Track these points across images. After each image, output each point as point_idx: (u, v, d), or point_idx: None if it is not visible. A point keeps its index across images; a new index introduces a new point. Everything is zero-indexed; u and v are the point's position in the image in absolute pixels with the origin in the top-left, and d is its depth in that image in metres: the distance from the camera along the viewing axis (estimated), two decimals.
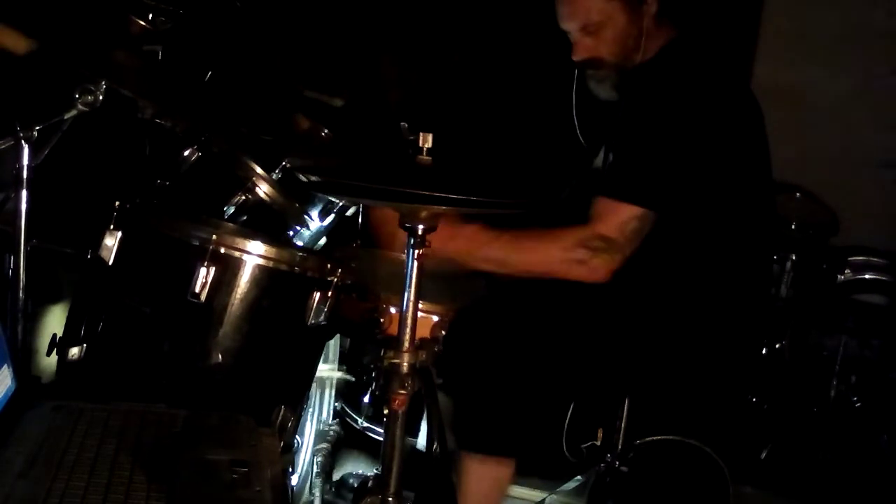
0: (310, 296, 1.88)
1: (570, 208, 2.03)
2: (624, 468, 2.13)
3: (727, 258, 2.01)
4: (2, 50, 1.88)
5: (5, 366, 1.39)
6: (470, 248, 1.90)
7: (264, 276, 1.84)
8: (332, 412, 2.65)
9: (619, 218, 1.85)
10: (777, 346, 3.19)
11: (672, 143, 1.87)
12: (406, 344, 1.48)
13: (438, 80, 3.22)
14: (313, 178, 1.59)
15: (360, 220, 2.52)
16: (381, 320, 1.92)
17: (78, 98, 1.86)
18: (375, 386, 2.56)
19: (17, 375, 1.43)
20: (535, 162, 2.40)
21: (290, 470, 2.23)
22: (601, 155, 2.11)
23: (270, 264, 1.84)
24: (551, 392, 2.04)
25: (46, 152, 1.90)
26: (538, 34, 2.16)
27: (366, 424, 2.59)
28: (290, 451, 2.05)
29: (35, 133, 1.83)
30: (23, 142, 1.82)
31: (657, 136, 1.89)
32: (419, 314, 1.50)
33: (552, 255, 1.89)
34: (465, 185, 1.42)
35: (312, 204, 2.32)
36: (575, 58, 2.01)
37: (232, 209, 2.16)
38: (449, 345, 1.84)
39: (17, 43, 1.88)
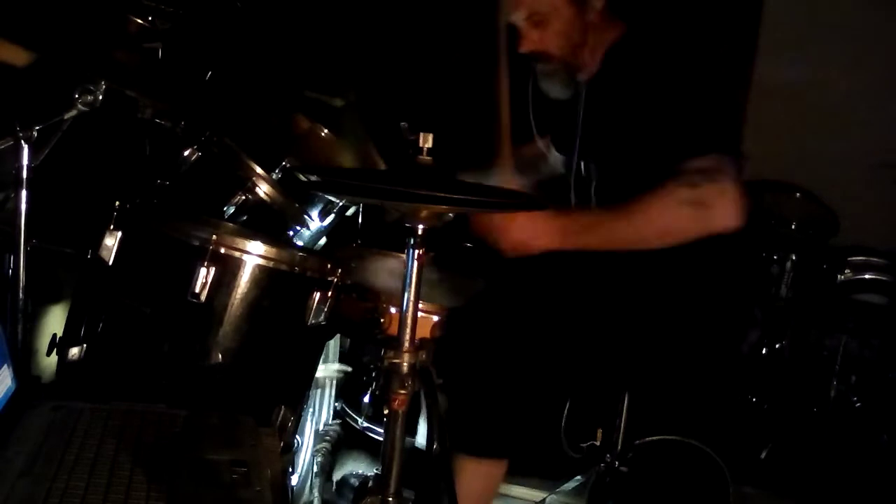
0: (310, 296, 1.88)
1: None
2: (624, 468, 2.14)
3: (719, 253, 2.00)
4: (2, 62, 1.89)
5: (5, 366, 1.39)
6: (565, 242, 1.82)
7: (264, 276, 1.84)
8: (332, 412, 2.65)
9: (703, 162, 1.78)
10: (777, 346, 3.19)
11: (643, 128, 1.86)
12: (406, 344, 1.48)
13: (420, 80, 3.22)
14: (313, 178, 1.59)
15: (360, 220, 2.53)
16: (381, 320, 1.92)
17: (78, 98, 1.86)
18: (375, 386, 2.56)
19: (17, 375, 1.43)
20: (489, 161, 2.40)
21: (290, 470, 2.23)
22: (573, 163, 2.10)
23: (270, 264, 1.84)
24: (549, 391, 2.04)
25: (46, 152, 1.90)
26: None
27: (366, 424, 2.59)
28: (290, 451, 2.05)
29: (35, 133, 1.83)
30: (23, 142, 1.82)
31: (627, 123, 1.88)
32: (419, 314, 1.50)
33: (675, 209, 1.78)
34: (466, 184, 1.42)
35: (312, 204, 2.32)
36: (521, 50, 2.00)
37: (232, 209, 2.17)
38: (444, 344, 1.84)
39: (16, 56, 1.88)
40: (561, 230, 1.84)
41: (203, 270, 1.77)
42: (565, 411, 2.31)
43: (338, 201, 2.35)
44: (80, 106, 1.87)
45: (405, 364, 1.47)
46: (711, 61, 1.93)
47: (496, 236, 1.85)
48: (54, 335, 1.89)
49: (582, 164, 2.10)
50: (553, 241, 1.83)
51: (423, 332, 1.75)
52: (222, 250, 1.80)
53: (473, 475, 1.92)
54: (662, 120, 1.86)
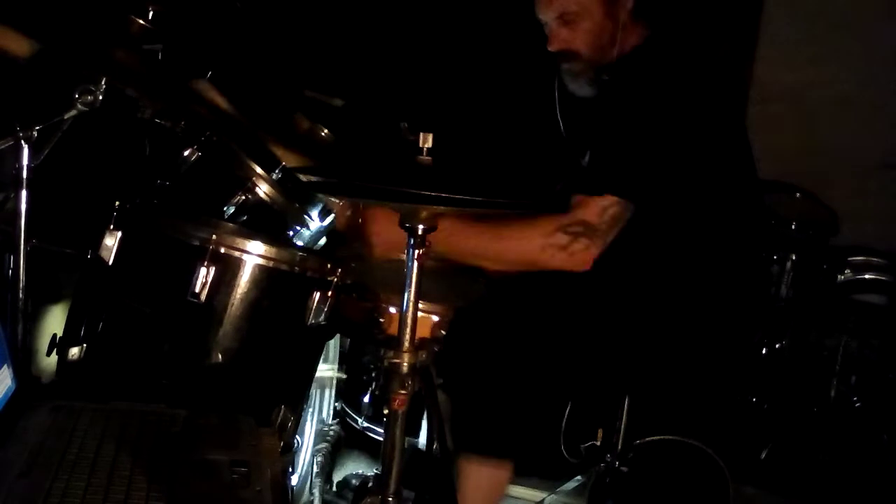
0: (310, 296, 1.88)
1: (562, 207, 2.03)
2: (624, 468, 2.13)
3: (722, 256, 2.01)
4: (4, 52, 1.88)
5: (5, 366, 1.39)
6: (450, 241, 1.86)
7: (264, 276, 1.84)
8: (332, 412, 2.65)
9: (598, 205, 1.86)
10: (777, 346, 3.19)
11: (650, 136, 1.88)
12: (406, 344, 1.48)
13: (432, 80, 3.22)
14: (313, 178, 1.59)
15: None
16: (381, 320, 1.92)
17: (78, 98, 1.86)
18: (375, 386, 2.56)
19: (17, 375, 1.43)
20: (524, 161, 2.40)
21: (290, 470, 2.23)
22: (587, 155, 2.12)
23: (270, 264, 1.84)
24: (550, 392, 2.04)
25: (46, 152, 1.90)
26: (522, 34, 2.17)
27: (366, 424, 2.59)
28: (290, 451, 2.05)
29: (35, 133, 1.83)
30: (23, 142, 1.82)
31: (635, 129, 1.89)
32: (419, 314, 1.50)
33: (533, 243, 1.88)
34: (466, 184, 1.42)
35: (312, 204, 2.32)
36: (550, 48, 2.02)
37: (232, 209, 2.16)
38: (447, 345, 1.84)
39: (19, 45, 1.88)
40: (451, 229, 1.84)
41: (203, 270, 1.77)
42: (567, 412, 2.31)
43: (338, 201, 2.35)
44: (80, 106, 1.87)
45: (405, 364, 1.47)
46: (710, 108, 1.95)
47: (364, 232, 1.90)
48: (54, 335, 1.89)
49: (588, 155, 2.11)
50: (441, 238, 1.83)
51: (424, 332, 1.75)
52: (222, 250, 1.80)
53: (478, 477, 1.93)
54: (608, 137, 1.92)
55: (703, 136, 1.91)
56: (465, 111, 3.19)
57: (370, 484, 1.59)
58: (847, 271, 3.22)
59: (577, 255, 1.86)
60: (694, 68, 1.99)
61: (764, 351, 3.18)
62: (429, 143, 1.43)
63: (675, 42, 2.03)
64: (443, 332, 1.92)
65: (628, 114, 1.91)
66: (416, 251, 1.45)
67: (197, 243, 1.80)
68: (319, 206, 2.33)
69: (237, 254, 1.82)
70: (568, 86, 2.08)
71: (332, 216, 2.30)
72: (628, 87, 1.94)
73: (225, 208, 2.16)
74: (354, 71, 3.10)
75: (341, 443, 2.65)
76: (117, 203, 1.87)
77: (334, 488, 2.54)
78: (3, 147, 1.82)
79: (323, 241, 2.43)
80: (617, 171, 1.88)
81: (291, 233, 2.30)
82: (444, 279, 2.12)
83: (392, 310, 1.92)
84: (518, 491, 2.40)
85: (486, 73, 3.26)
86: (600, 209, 1.86)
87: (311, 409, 2.51)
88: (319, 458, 2.49)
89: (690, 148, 1.90)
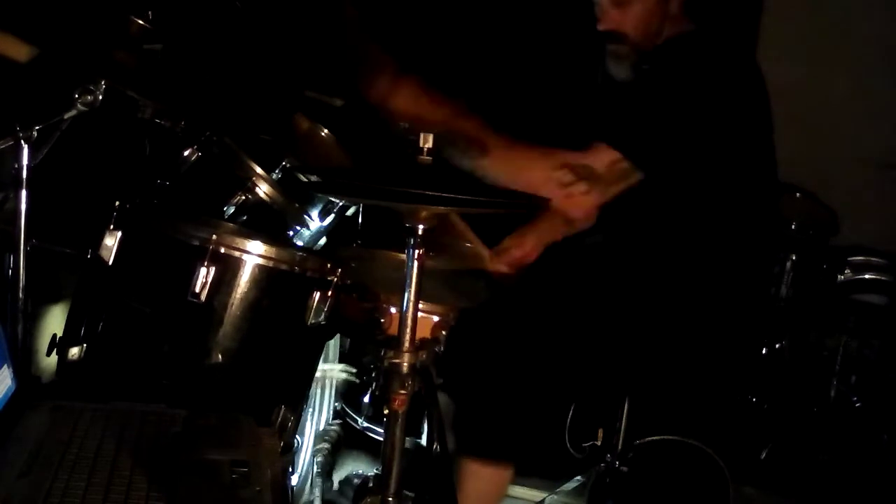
0: (310, 296, 1.88)
1: None
2: (624, 468, 2.14)
3: (727, 257, 2.01)
4: (4, 58, 1.88)
5: (5, 366, 1.39)
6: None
7: (264, 276, 1.84)
8: (332, 412, 2.65)
9: (608, 155, 1.86)
10: (777, 346, 3.19)
11: (679, 117, 1.88)
12: (406, 344, 1.48)
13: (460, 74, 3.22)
14: (313, 178, 1.59)
15: (360, 220, 2.52)
16: (382, 320, 1.92)
17: (78, 98, 1.86)
18: (375, 386, 2.56)
19: (17, 375, 1.43)
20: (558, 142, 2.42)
21: (290, 470, 2.23)
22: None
23: (270, 264, 1.84)
24: (552, 393, 2.04)
25: (46, 152, 1.90)
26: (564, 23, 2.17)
27: (366, 424, 2.59)
28: (290, 451, 2.05)
29: (35, 133, 1.83)
30: (23, 142, 1.82)
31: (666, 108, 1.90)
32: (419, 314, 1.50)
33: (537, 172, 1.87)
34: (466, 184, 1.42)
35: (312, 204, 2.32)
36: (600, 27, 2.03)
37: (232, 209, 2.16)
38: (450, 347, 1.84)
39: (18, 51, 1.88)
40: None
41: (203, 270, 1.77)
42: (570, 413, 2.31)
43: (338, 201, 2.35)
44: (80, 106, 1.87)
45: (405, 364, 1.47)
46: (730, 106, 1.95)
47: None
48: (54, 335, 1.89)
49: None
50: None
51: (424, 332, 1.75)
52: (222, 250, 1.80)
53: (479, 479, 1.93)
54: (637, 106, 1.92)
55: (731, 129, 1.92)
56: (503, 92, 3.18)
57: (370, 484, 1.58)
58: (847, 271, 3.22)
59: (575, 198, 1.86)
60: (734, 63, 2.00)
61: (764, 351, 3.18)
62: (429, 143, 1.43)
63: (717, 36, 2.03)
64: (443, 332, 1.92)
65: (662, 95, 1.92)
66: (416, 251, 1.46)
67: (197, 243, 1.80)
68: (319, 206, 2.33)
69: (237, 254, 1.82)
70: (609, 69, 2.08)
71: (333, 216, 2.30)
72: (669, 64, 1.96)
73: (225, 208, 2.16)
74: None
75: (341, 443, 2.65)
76: (117, 203, 1.87)
77: (335, 487, 2.54)
78: (3, 147, 1.82)
79: (323, 241, 2.43)
80: (639, 136, 1.89)
81: (291, 233, 2.30)
82: (445, 279, 2.13)
83: (392, 310, 1.92)
84: (518, 491, 2.40)
85: (527, 56, 3.27)
86: (609, 161, 1.86)
87: (311, 409, 2.51)
88: (319, 458, 2.49)
89: (716, 137, 1.90)
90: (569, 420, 2.31)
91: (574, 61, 2.34)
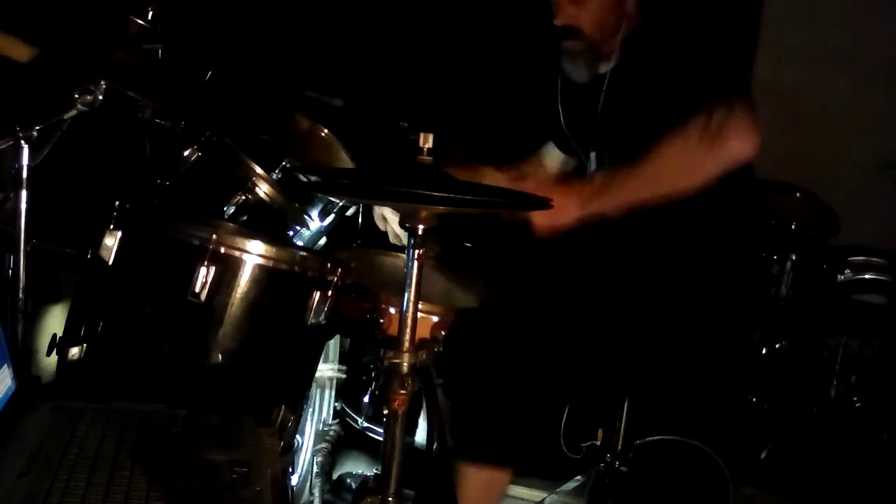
0: (310, 296, 1.88)
1: None
2: (624, 468, 2.14)
3: (721, 256, 2.01)
4: (4, 58, 1.88)
5: (5, 366, 1.39)
6: (590, 206, 1.80)
7: (264, 276, 1.84)
8: (332, 412, 2.65)
9: (715, 102, 1.79)
10: (777, 346, 3.19)
11: (658, 103, 1.87)
12: (406, 344, 1.48)
13: (433, 74, 3.22)
14: (313, 178, 1.59)
15: (360, 220, 2.52)
16: (381, 320, 1.92)
17: (78, 98, 1.86)
18: (375, 386, 2.56)
19: (17, 375, 1.43)
20: (524, 150, 2.40)
21: (290, 470, 2.23)
22: (591, 157, 2.11)
23: (270, 264, 1.84)
24: (550, 394, 2.04)
25: (46, 152, 1.90)
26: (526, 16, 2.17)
27: (366, 424, 2.59)
28: (290, 451, 2.05)
29: (35, 133, 1.83)
30: (23, 142, 1.82)
31: (646, 101, 1.89)
32: (419, 314, 1.50)
33: (690, 145, 1.77)
34: (466, 185, 1.42)
35: (312, 204, 2.32)
36: (556, 22, 2.01)
37: (232, 209, 2.16)
38: (447, 349, 1.84)
39: (19, 52, 1.88)
40: (580, 196, 1.82)
41: (203, 270, 1.77)
42: (566, 413, 2.31)
43: (338, 201, 2.35)
44: (80, 106, 1.87)
45: (405, 364, 1.47)
46: (718, 18, 1.93)
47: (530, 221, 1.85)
48: (54, 335, 1.89)
49: (594, 153, 2.10)
50: (577, 209, 1.80)
51: (423, 332, 1.75)
52: (222, 250, 1.80)
53: (477, 482, 1.93)
54: (676, 88, 1.86)
55: (704, 76, 1.88)
56: (467, 101, 3.19)
57: (370, 484, 1.58)
58: (847, 271, 3.22)
59: (738, 128, 1.77)
60: (686, 25, 1.98)
61: (764, 351, 3.18)
62: (429, 143, 1.43)
63: (665, 22, 2.02)
64: (443, 332, 1.92)
65: (635, 97, 1.91)
66: (417, 251, 1.46)
67: (197, 243, 1.80)
68: (319, 206, 2.33)
69: (237, 253, 1.82)
70: (566, 69, 2.07)
71: (333, 216, 2.30)
72: (631, 73, 1.94)
73: (225, 208, 2.16)
74: (354, 71, 3.10)
75: (341, 443, 2.65)
76: (117, 203, 1.87)
77: (334, 488, 2.54)
78: (3, 147, 1.82)
79: (323, 241, 2.43)
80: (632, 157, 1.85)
81: (291, 233, 2.30)
82: (445, 280, 2.13)
83: (392, 310, 1.92)
84: (518, 491, 2.40)
85: (489, 61, 3.26)
86: (725, 102, 1.78)
87: (311, 409, 2.51)
88: (319, 458, 2.49)
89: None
90: (563, 421, 2.31)
91: (533, 64, 2.32)
